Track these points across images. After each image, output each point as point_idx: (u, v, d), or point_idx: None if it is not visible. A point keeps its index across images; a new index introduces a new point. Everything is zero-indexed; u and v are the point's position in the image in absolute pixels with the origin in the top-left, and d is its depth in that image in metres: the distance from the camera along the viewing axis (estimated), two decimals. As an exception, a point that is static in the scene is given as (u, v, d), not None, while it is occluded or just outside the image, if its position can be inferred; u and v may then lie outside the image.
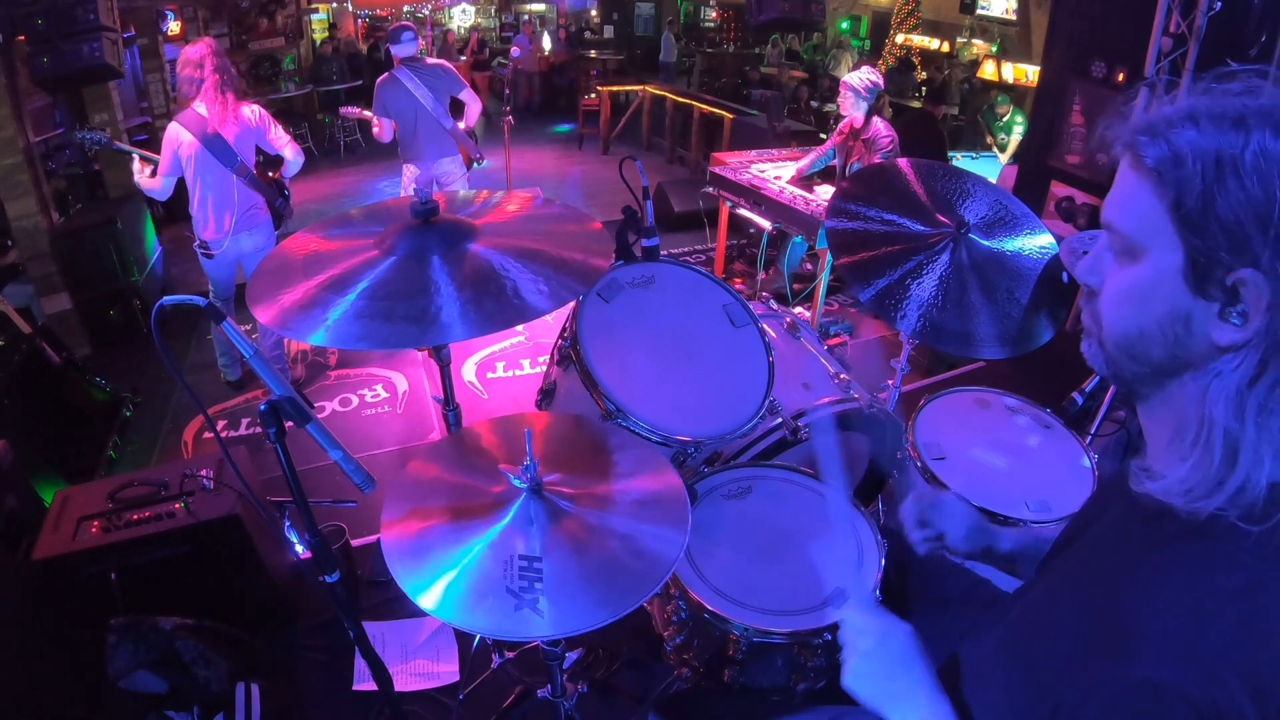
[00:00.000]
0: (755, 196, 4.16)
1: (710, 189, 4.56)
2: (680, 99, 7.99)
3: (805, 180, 4.25)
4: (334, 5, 11.02)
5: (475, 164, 4.38)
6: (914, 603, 1.43)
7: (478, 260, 1.35)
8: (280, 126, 3.29)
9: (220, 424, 3.52)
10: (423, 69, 4.03)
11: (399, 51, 4.01)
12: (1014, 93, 9.25)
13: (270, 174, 3.36)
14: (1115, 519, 0.78)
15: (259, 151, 3.29)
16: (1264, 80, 0.63)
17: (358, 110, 4.44)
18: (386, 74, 3.99)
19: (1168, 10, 3.57)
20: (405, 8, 12.87)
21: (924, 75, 9.92)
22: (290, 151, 3.30)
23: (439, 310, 1.23)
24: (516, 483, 1.20)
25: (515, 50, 11.21)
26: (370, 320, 1.21)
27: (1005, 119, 7.86)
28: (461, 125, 4.17)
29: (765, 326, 1.80)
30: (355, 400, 3.76)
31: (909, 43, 10.97)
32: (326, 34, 10.18)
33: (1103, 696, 0.63)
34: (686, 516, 1.22)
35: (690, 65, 12.53)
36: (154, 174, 3.13)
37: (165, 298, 1.07)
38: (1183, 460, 0.66)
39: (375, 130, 4.05)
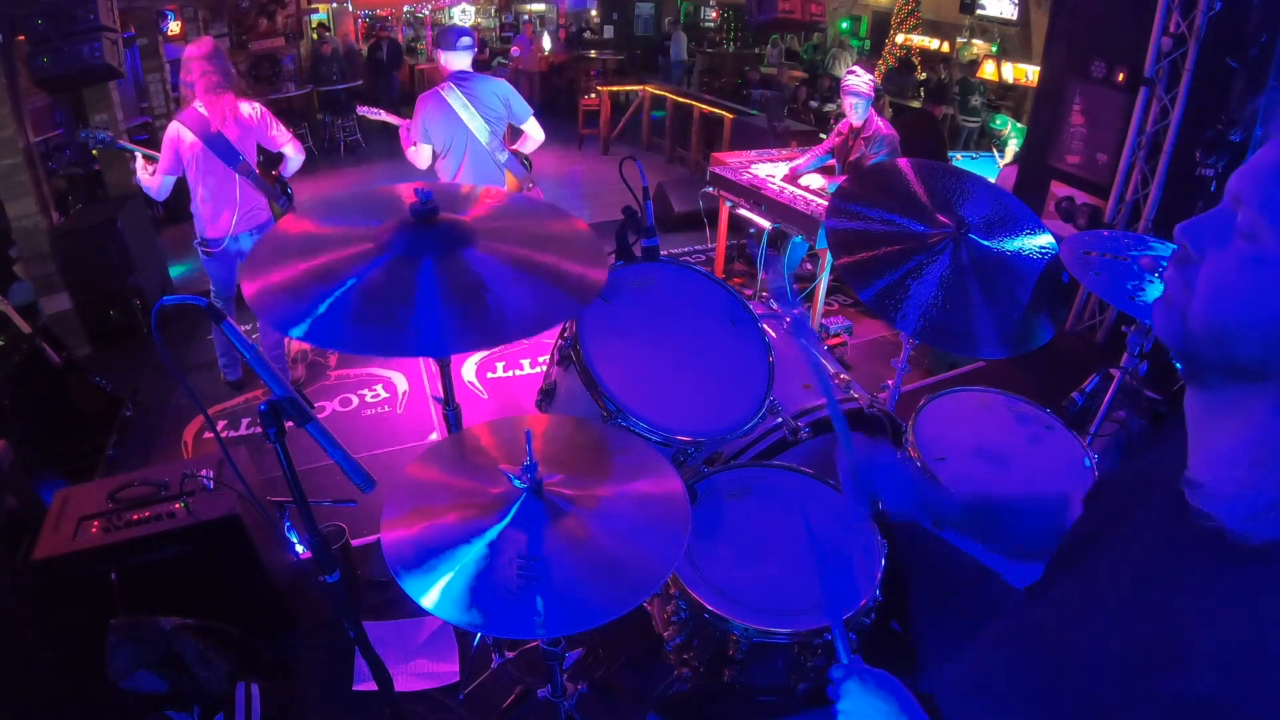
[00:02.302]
0: (755, 196, 4.16)
1: (710, 189, 4.56)
2: (680, 99, 8.00)
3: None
4: (334, 5, 11.02)
5: (525, 191, 3.70)
6: (915, 599, 1.43)
7: (468, 271, 1.31)
8: (281, 124, 3.29)
9: (220, 424, 3.52)
10: (478, 89, 3.26)
11: (450, 61, 3.27)
12: (1014, 93, 9.25)
13: (273, 172, 3.36)
14: (1156, 526, 0.74)
15: (261, 150, 3.29)
16: None
17: (379, 112, 3.74)
18: (432, 91, 3.28)
19: (1168, 10, 3.57)
20: (405, 8, 12.87)
21: (924, 75, 9.92)
22: (291, 149, 3.29)
23: (421, 322, 1.19)
24: (517, 483, 1.20)
25: (515, 50, 11.24)
26: (352, 322, 1.18)
27: (1004, 138, 7.90)
28: (513, 149, 3.49)
29: (765, 327, 1.80)
30: (355, 400, 3.76)
31: (909, 43, 10.96)
32: (316, 35, 10.05)
33: (1155, 711, 0.62)
34: (686, 516, 1.22)
35: (691, 65, 12.54)
36: (154, 172, 3.14)
37: (165, 297, 1.07)
38: (1246, 480, 0.62)
39: (409, 152, 3.38)
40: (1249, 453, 0.62)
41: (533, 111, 3.44)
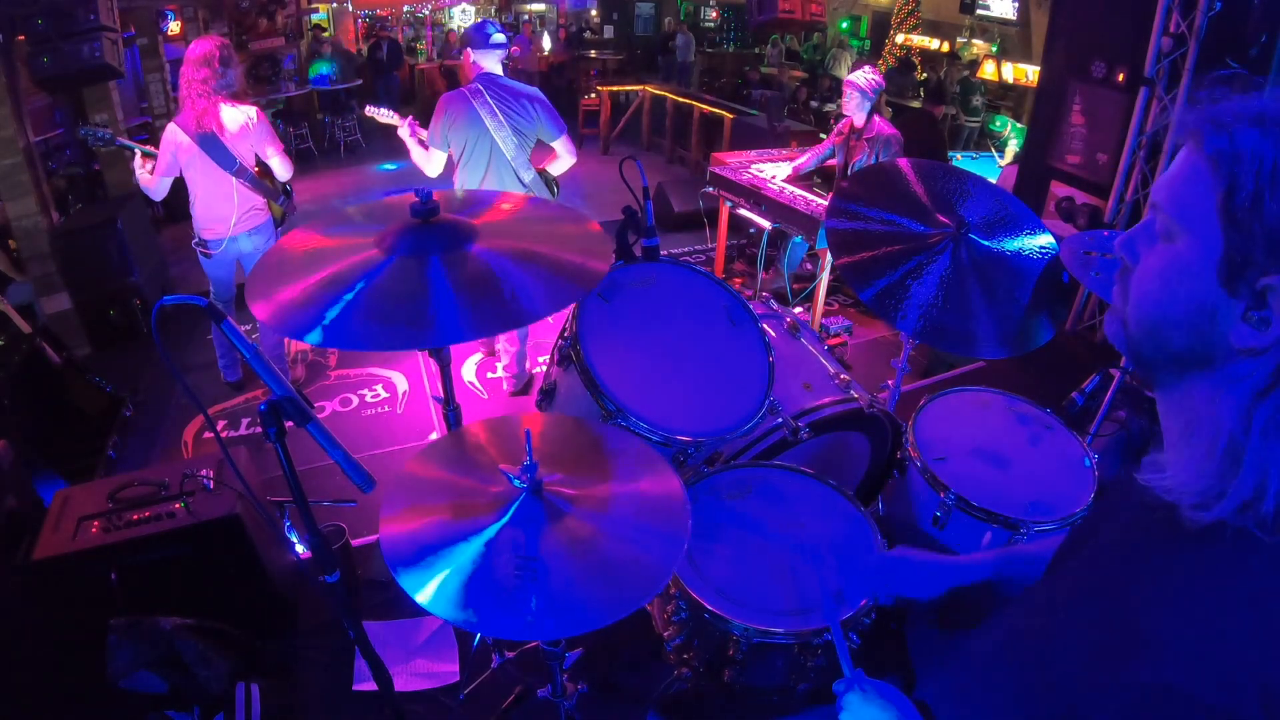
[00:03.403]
0: (755, 196, 4.16)
1: (710, 189, 4.56)
2: (680, 99, 8.00)
3: (806, 179, 4.26)
4: (334, 5, 11.01)
5: None
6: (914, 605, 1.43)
7: (477, 262, 1.35)
8: (275, 136, 3.26)
9: (220, 424, 3.52)
10: (509, 96, 2.99)
11: (482, 59, 2.98)
12: (1014, 93, 9.25)
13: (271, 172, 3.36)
14: (1126, 523, 0.77)
15: None
16: None
17: (388, 112, 3.37)
18: (456, 92, 2.99)
19: (1168, 10, 3.57)
20: (405, 8, 12.87)
21: (924, 75, 9.93)
22: (278, 163, 3.25)
23: (436, 312, 1.23)
24: (516, 483, 1.20)
25: (515, 50, 11.22)
26: (368, 321, 1.21)
27: (1003, 138, 7.91)
28: (538, 169, 3.17)
29: (765, 326, 1.80)
30: (355, 400, 3.76)
31: (909, 43, 10.97)
32: (312, 35, 10.01)
33: (1118, 701, 0.63)
34: (686, 517, 1.22)
35: (691, 65, 12.54)
36: (154, 172, 3.13)
37: (165, 298, 1.07)
38: (1187, 460, 0.66)
39: (416, 156, 3.10)
40: (1197, 439, 0.67)
41: (565, 130, 3.15)
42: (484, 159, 3.04)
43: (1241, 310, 0.62)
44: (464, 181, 3.12)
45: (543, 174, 3.23)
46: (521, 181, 3.12)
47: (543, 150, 3.24)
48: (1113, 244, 0.76)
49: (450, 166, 3.18)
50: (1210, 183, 0.63)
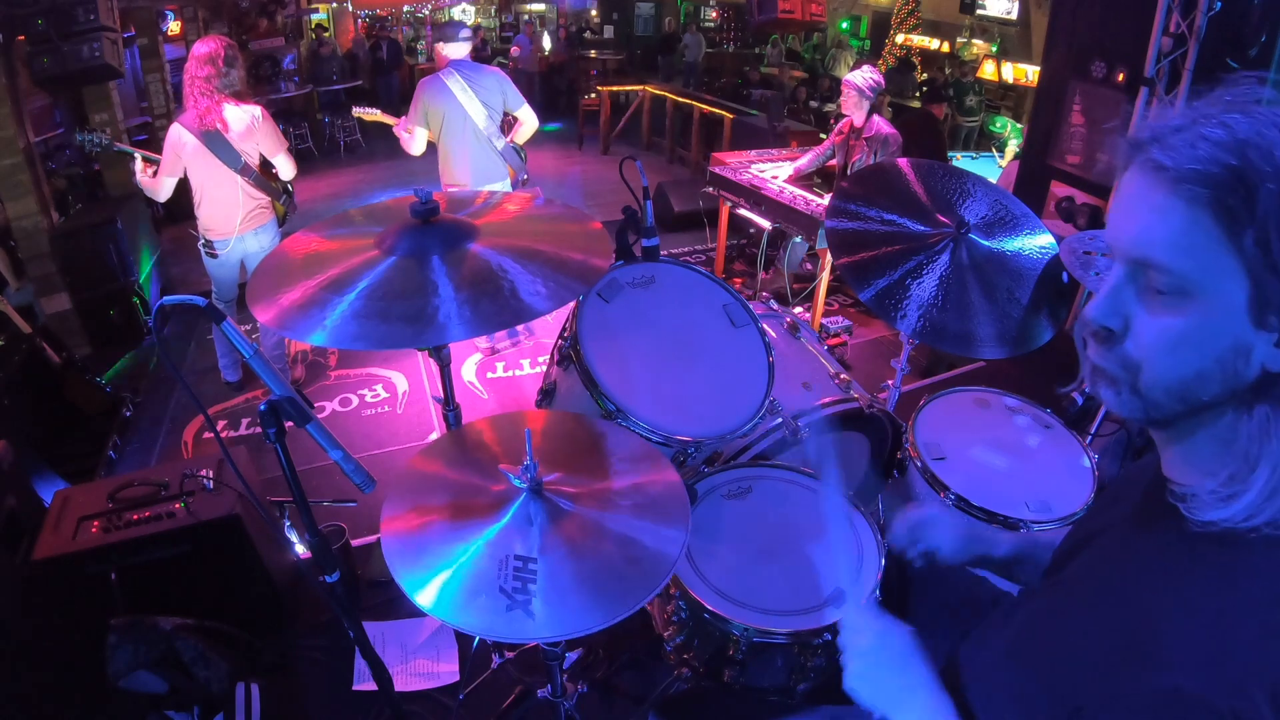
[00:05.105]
0: (755, 196, 4.16)
1: (710, 189, 4.56)
2: (680, 99, 8.00)
3: (806, 179, 4.26)
4: (334, 5, 11.02)
5: (522, 184, 3.82)
6: (915, 604, 1.43)
7: (477, 260, 1.35)
8: (279, 134, 3.28)
9: (220, 424, 3.52)
10: (476, 75, 3.47)
11: (450, 51, 3.45)
12: (1014, 93, 9.25)
13: (272, 170, 3.36)
14: (1135, 528, 0.76)
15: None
16: (1260, 85, 0.61)
17: (377, 112, 3.84)
18: (432, 75, 3.44)
19: (1168, 10, 3.57)
20: (405, 7, 12.88)
21: (924, 75, 9.93)
22: (283, 159, 3.28)
23: (437, 310, 1.23)
24: (516, 482, 1.20)
25: (515, 50, 11.24)
26: (368, 320, 1.21)
27: (1003, 138, 7.92)
28: (509, 140, 3.62)
29: (765, 326, 1.79)
30: (355, 400, 3.76)
31: (909, 43, 10.97)
32: (314, 35, 10.00)
33: (1126, 705, 0.62)
34: (686, 517, 1.22)
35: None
36: (156, 174, 3.13)
37: (165, 297, 1.07)
38: (1244, 486, 0.63)
39: (404, 140, 3.52)
40: (1231, 462, 0.64)
41: (525, 100, 3.61)
42: (459, 129, 3.45)
43: (1276, 338, 0.59)
44: (445, 152, 3.54)
45: (512, 144, 3.67)
46: (494, 150, 3.56)
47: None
48: (1085, 320, 0.70)
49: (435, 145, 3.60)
50: (1219, 222, 0.58)
